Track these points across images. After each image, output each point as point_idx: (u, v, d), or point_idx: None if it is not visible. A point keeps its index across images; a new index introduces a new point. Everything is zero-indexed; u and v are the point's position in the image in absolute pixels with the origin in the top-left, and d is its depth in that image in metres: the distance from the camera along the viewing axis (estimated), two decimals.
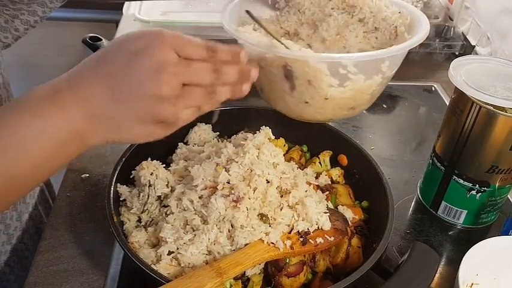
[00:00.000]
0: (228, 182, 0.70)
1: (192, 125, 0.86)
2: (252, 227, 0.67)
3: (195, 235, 0.67)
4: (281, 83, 0.74)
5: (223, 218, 0.67)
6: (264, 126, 0.84)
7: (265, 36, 0.76)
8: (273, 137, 0.84)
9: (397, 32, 0.82)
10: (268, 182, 0.72)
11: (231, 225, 0.67)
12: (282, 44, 0.70)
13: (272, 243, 0.67)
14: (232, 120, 0.88)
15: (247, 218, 0.67)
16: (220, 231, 0.67)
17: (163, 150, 0.84)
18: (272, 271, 0.68)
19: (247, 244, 0.66)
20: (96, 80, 0.54)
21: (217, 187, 0.69)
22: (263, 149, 0.75)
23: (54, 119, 0.53)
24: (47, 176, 0.58)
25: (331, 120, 0.85)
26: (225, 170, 0.71)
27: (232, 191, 0.68)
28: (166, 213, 0.71)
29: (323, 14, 0.86)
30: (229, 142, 0.80)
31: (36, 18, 0.88)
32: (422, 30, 0.76)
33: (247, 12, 0.76)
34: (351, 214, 0.76)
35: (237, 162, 0.72)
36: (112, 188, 0.73)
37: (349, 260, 0.72)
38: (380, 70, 0.72)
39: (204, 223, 0.67)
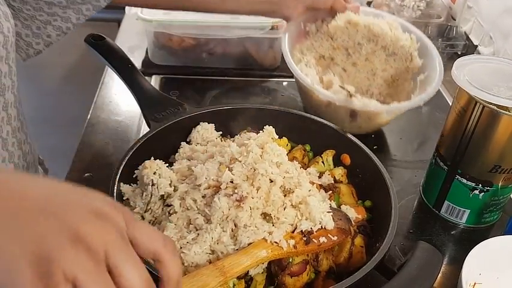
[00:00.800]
0: (232, 182, 0.70)
1: (194, 124, 0.86)
2: (256, 226, 0.67)
3: (198, 234, 0.66)
4: (344, 117, 0.98)
5: (226, 218, 0.67)
6: (267, 125, 0.84)
7: (312, 69, 1.02)
8: (276, 136, 0.84)
9: (412, 57, 1.05)
10: (271, 181, 0.71)
11: (234, 224, 0.67)
12: (352, 95, 0.93)
13: (275, 242, 0.66)
14: (235, 119, 0.88)
15: (251, 218, 0.67)
16: (223, 231, 0.67)
17: (166, 149, 0.83)
18: (275, 270, 0.68)
19: (251, 243, 0.66)
20: None
21: (221, 186, 0.69)
22: (266, 148, 0.75)
23: None
24: None
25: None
26: (229, 170, 0.71)
27: (236, 191, 0.68)
28: (169, 213, 0.71)
29: (353, 41, 1.09)
30: (233, 141, 0.80)
31: (69, 25, 0.87)
32: (436, 64, 1.02)
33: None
34: (354, 213, 0.76)
35: (240, 161, 0.72)
36: (115, 188, 0.73)
37: (352, 259, 0.72)
38: None
39: (207, 222, 0.67)
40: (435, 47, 1.06)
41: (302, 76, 0.97)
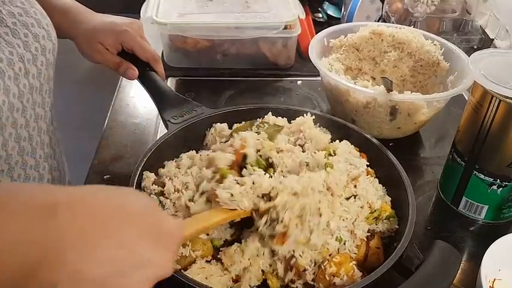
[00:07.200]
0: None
1: (208, 126, 0.87)
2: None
3: None
4: (383, 117, 0.97)
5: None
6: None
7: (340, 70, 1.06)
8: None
9: (439, 61, 1.07)
10: None
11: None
12: (392, 91, 0.91)
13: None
14: (251, 120, 0.88)
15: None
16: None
17: (184, 150, 0.83)
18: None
19: None
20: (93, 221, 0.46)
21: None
22: None
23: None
24: None
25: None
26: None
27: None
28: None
29: (379, 51, 1.11)
30: None
31: None
32: (464, 63, 1.01)
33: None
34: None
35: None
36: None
37: (368, 261, 0.70)
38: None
39: None
40: (461, 50, 1.07)
41: (338, 78, 0.96)
